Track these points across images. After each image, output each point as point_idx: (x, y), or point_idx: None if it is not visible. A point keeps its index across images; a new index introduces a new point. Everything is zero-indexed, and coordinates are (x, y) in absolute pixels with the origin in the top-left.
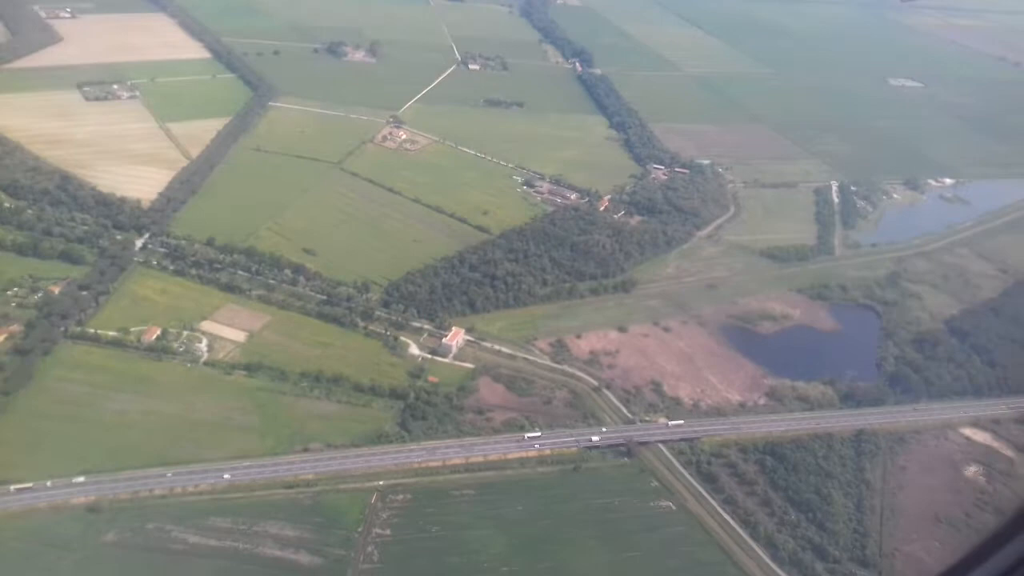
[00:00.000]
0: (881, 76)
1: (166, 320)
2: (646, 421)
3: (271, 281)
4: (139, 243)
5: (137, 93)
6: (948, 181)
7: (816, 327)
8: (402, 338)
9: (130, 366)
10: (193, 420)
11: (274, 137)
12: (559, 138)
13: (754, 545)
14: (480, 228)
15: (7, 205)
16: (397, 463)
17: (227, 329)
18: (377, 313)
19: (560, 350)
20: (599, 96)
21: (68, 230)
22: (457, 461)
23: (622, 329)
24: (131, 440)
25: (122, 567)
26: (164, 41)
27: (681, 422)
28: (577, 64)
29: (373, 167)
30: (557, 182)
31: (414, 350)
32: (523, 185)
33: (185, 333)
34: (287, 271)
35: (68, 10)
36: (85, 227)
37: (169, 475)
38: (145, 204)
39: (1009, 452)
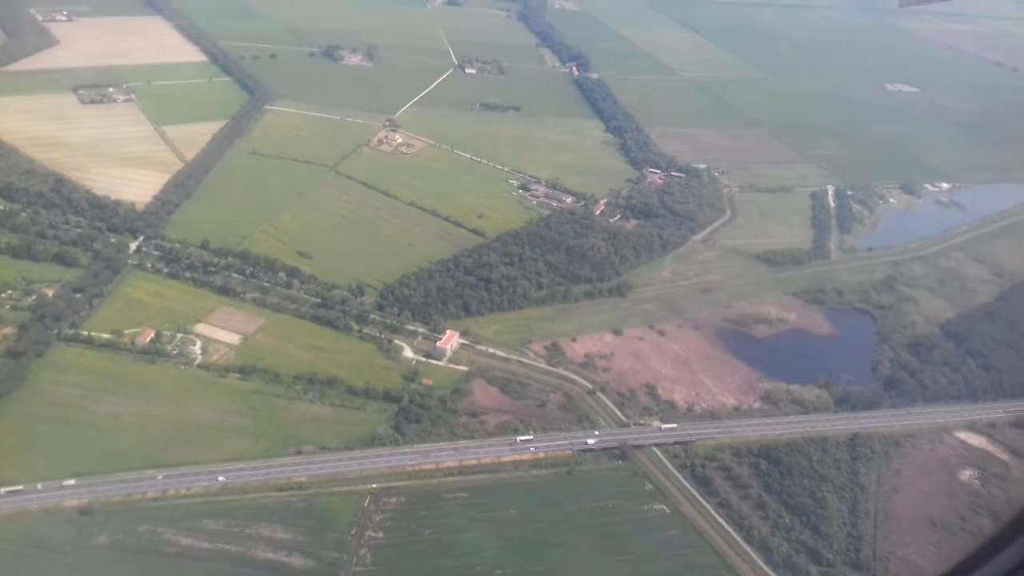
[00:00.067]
0: (878, 81)
1: (160, 323)
2: (640, 424)
3: (265, 284)
4: (133, 246)
5: (133, 96)
6: (944, 186)
7: (811, 331)
8: (396, 341)
9: (123, 368)
10: (186, 423)
11: (270, 140)
12: (555, 142)
13: (748, 548)
14: (475, 231)
15: (1, 208)
16: (390, 466)
17: (221, 332)
18: (371, 316)
19: (555, 353)
20: (596, 100)
21: (62, 233)
22: (450, 464)
23: (617, 332)
24: (124, 442)
25: (114, 569)
26: (160, 44)
27: (675, 425)
28: (574, 68)
29: (369, 171)
30: (553, 186)
31: (408, 353)
32: (519, 189)
33: (179, 336)
34: (282, 274)
35: (64, 13)
36: (79, 230)
37: (160, 477)
38: (140, 207)
39: (1004, 456)
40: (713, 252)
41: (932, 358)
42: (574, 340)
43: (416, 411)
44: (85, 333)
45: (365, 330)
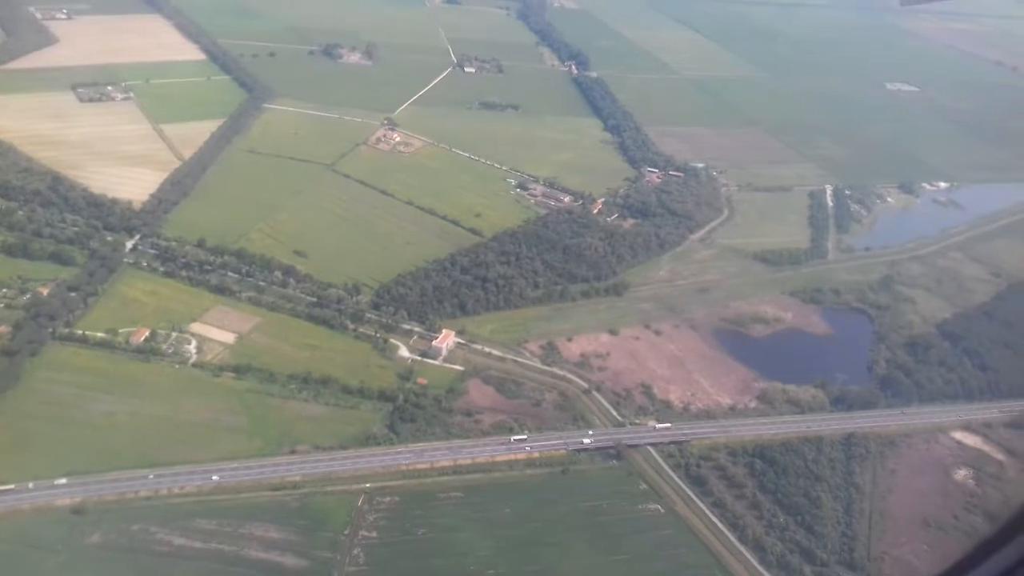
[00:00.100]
0: (878, 80)
1: (155, 321)
2: (636, 424)
3: (261, 283)
4: (129, 244)
5: (131, 94)
6: (942, 185)
7: (808, 331)
8: (392, 340)
9: (118, 367)
10: (181, 422)
11: (268, 139)
12: (553, 141)
13: (742, 548)
14: (472, 231)
15: None
16: (385, 465)
17: (216, 331)
18: (367, 315)
19: (551, 352)
20: (594, 99)
21: (59, 231)
22: (445, 463)
23: (613, 332)
24: (118, 441)
25: (107, 569)
26: (159, 42)
27: (668, 425)
28: (573, 67)
29: (366, 169)
30: (551, 185)
31: (404, 352)
32: (516, 188)
33: (174, 335)
34: (277, 273)
35: (64, 11)
36: (76, 228)
37: (152, 476)
38: (136, 205)
39: (999, 456)
40: (710, 251)
41: (929, 358)
42: (570, 339)
43: (411, 410)
44: (80, 332)
45: (361, 329)
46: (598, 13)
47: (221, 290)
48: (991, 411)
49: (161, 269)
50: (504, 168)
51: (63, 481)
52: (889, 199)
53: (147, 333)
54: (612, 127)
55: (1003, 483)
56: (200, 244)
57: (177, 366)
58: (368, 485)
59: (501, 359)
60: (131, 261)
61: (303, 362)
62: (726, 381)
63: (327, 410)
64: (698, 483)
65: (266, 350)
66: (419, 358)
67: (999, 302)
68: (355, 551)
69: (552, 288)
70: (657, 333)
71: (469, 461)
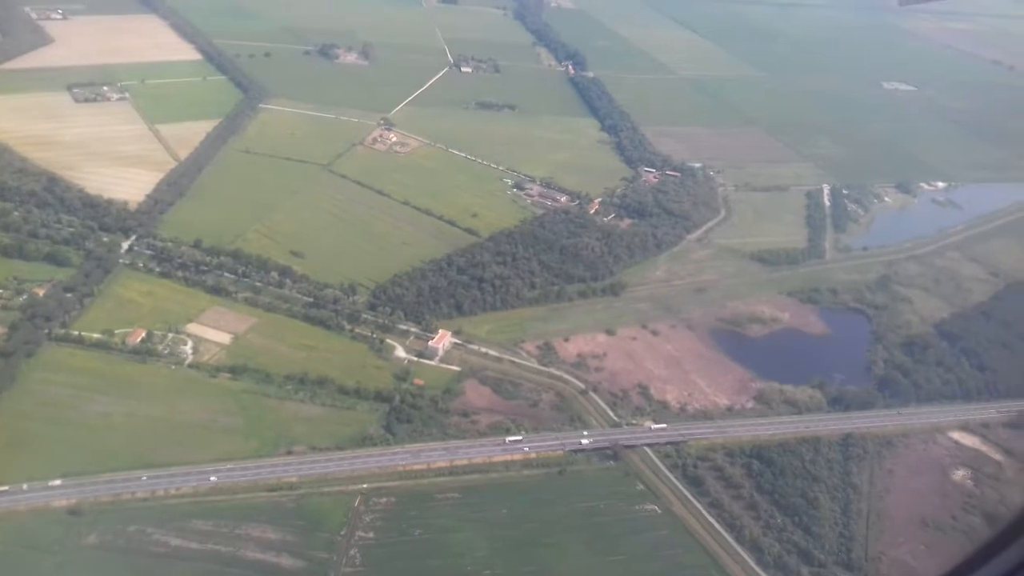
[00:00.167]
0: (875, 80)
1: (151, 322)
2: (632, 424)
3: (258, 283)
4: (125, 245)
5: (127, 95)
6: (940, 185)
7: (805, 331)
8: (388, 341)
9: (114, 368)
10: (177, 422)
11: (264, 139)
12: (550, 141)
13: (739, 549)
14: (469, 231)
15: None
16: (381, 466)
17: (212, 331)
18: (364, 316)
19: (547, 353)
20: (591, 99)
21: (54, 232)
22: (441, 464)
23: (610, 332)
24: (114, 442)
25: (103, 570)
26: (155, 43)
27: (664, 425)
28: (570, 67)
29: (363, 169)
30: (547, 185)
31: (400, 353)
32: (513, 188)
33: (170, 335)
34: (274, 273)
35: (59, 11)
36: (71, 229)
37: (145, 478)
38: (132, 206)
39: (997, 456)
40: (707, 251)
41: (926, 358)
42: (567, 340)
43: (407, 411)
44: (76, 333)
45: (357, 330)
46: (595, 13)
47: (217, 291)
48: (989, 411)
49: (157, 270)
50: (501, 168)
51: (58, 482)
52: (887, 199)
53: (143, 334)
54: (609, 127)
55: (1001, 483)
56: (196, 245)
57: (173, 367)
58: (364, 486)
59: (498, 359)
60: (127, 262)
61: (299, 363)
62: (723, 381)
63: (323, 411)
64: (695, 483)
65: (262, 351)
66: (415, 359)
67: (997, 302)
68: (351, 552)
69: (549, 288)
70: (654, 333)
71: (466, 462)
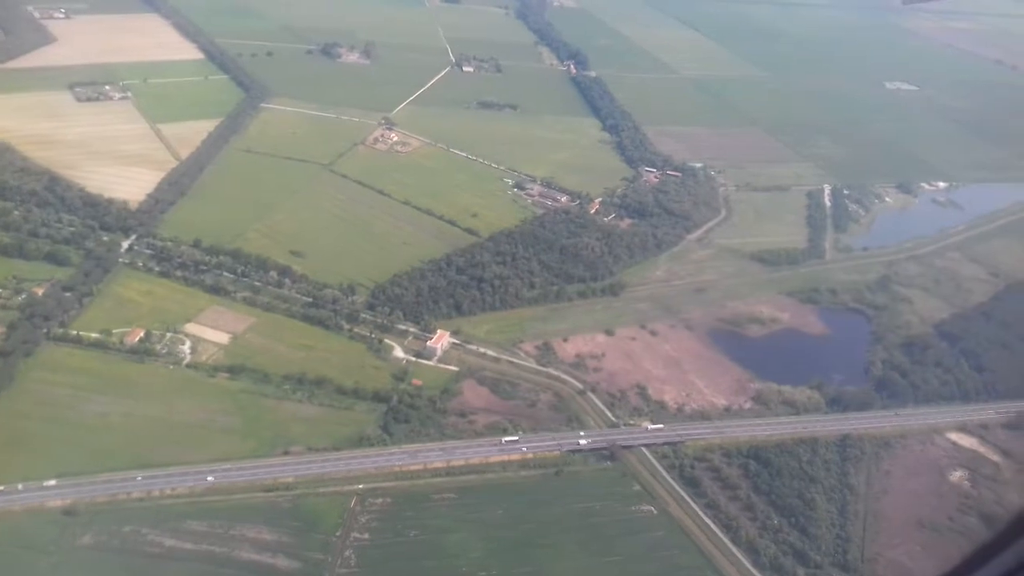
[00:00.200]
0: (877, 79)
1: (150, 322)
2: (630, 425)
3: (257, 283)
4: (125, 244)
5: (129, 94)
6: (941, 185)
7: (805, 331)
8: (387, 341)
9: (112, 368)
10: (174, 422)
11: (265, 138)
12: (551, 141)
13: (735, 550)
14: (469, 231)
15: None
16: (378, 466)
17: (211, 331)
18: (362, 316)
19: (546, 353)
20: (593, 98)
21: (54, 231)
22: (438, 465)
23: (609, 332)
24: (111, 442)
25: (98, 570)
26: (157, 42)
27: (661, 426)
28: (571, 66)
29: (364, 169)
30: (548, 185)
31: (399, 353)
32: (514, 188)
33: (168, 335)
34: (273, 273)
35: (62, 10)
36: (72, 228)
37: (140, 478)
38: (133, 205)
39: (995, 457)
40: (707, 251)
41: (925, 358)
42: (566, 340)
43: (405, 411)
44: (74, 332)
45: (356, 329)
46: (597, 12)
47: (216, 290)
48: (987, 412)
49: (156, 269)
50: (501, 168)
51: (52, 482)
52: (887, 199)
53: (142, 333)
54: (610, 127)
55: (998, 484)
56: (196, 244)
57: (171, 367)
58: (361, 486)
59: (496, 360)
60: (127, 261)
61: (298, 363)
62: (721, 382)
63: (321, 411)
64: (692, 484)
65: (261, 351)
66: (414, 359)
67: (997, 302)
68: (347, 553)
69: (548, 288)
70: (653, 333)
71: (462, 462)
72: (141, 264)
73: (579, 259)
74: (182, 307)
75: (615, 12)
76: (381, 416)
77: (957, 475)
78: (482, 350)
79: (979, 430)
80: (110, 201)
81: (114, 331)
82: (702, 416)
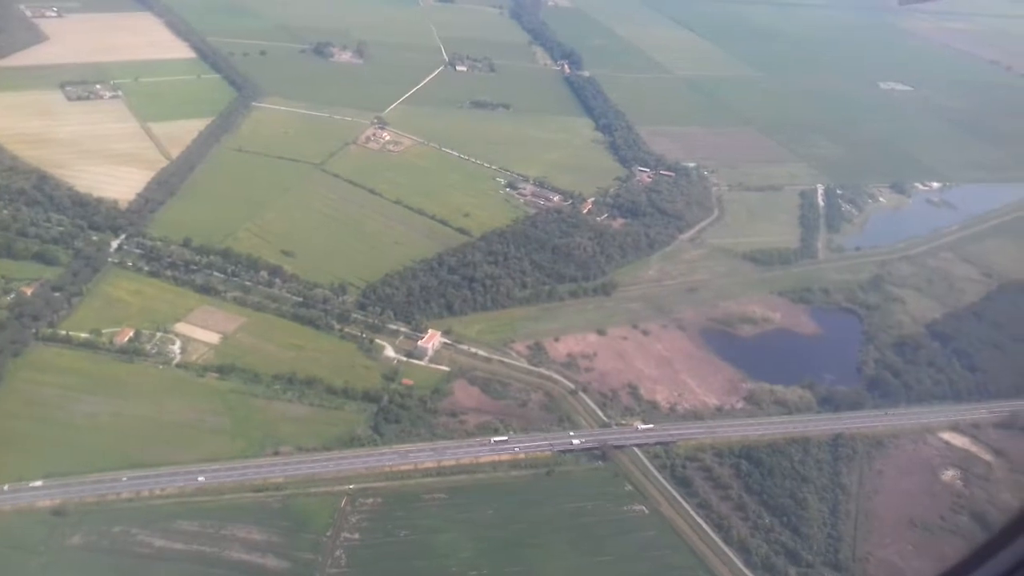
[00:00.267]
0: (872, 80)
1: (139, 322)
2: (622, 425)
3: (247, 283)
4: (115, 244)
5: (120, 93)
6: (935, 185)
7: (797, 331)
8: (377, 341)
9: (101, 368)
10: (164, 422)
11: (257, 138)
12: (544, 140)
13: (727, 549)
14: (461, 230)
15: None
16: (368, 466)
17: (201, 331)
18: (353, 315)
19: (537, 353)
20: (586, 98)
21: (43, 231)
22: (429, 464)
23: (601, 332)
24: (101, 442)
25: (87, 570)
26: (149, 41)
27: (651, 426)
28: (565, 66)
29: (355, 168)
30: (540, 184)
31: (389, 353)
32: (506, 187)
33: (158, 335)
34: (264, 273)
35: (54, 9)
36: (61, 228)
37: (125, 479)
38: (122, 205)
39: (987, 456)
40: (700, 251)
41: (917, 358)
42: (557, 340)
43: (396, 411)
44: (63, 332)
45: (346, 329)
46: (592, 12)
47: (206, 290)
48: (980, 412)
49: (146, 269)
50: (494, 167)
51: (39, 483)
52: (881, 199)
53: (131, 333)
54: (603, 126)
55: (990, 484)
56: (186, 244)
57: (161, 366)
58: (351, 486)
59: (487, 359)
60: (116, 261)
61: (288, 362)
62: (713, 381)
63: (311, 411)
64: (683, 484)
65: (251, 350)
66: (405, 359)
67: (989, 302)
68: (337, 552)
69: (540, 288)
70: (645, 333)
71: (453, 462)
72: (131, 264)
73: (571, 259)
74: (172, 307)
75: (610, 12)
76: (371, 416)
77: (949, 474)
78: (473, 350)
79: (971, 429)
80: (100, 200)
81: (103, 331)
82: (694, 416)
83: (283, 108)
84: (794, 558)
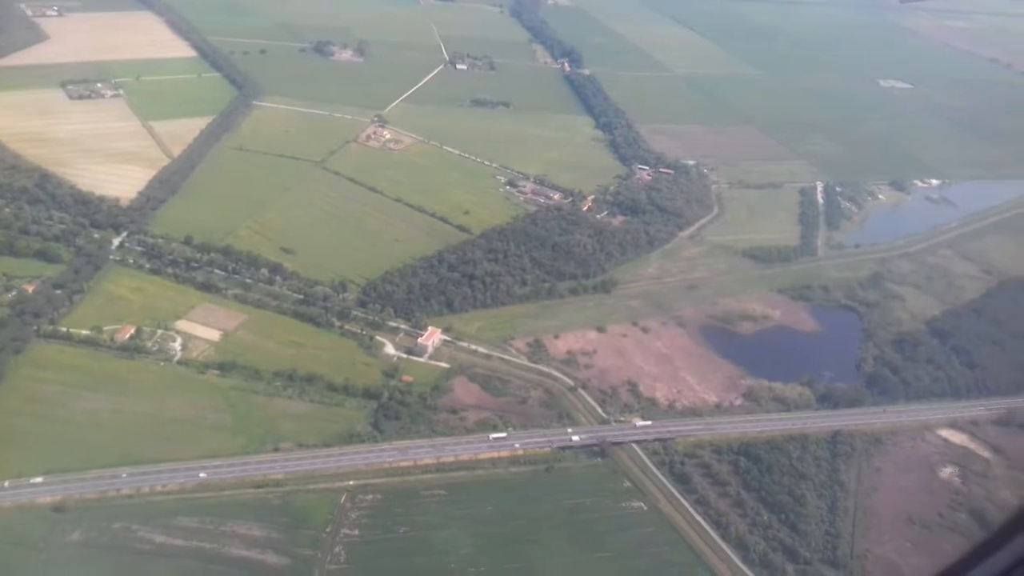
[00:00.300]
0: (872, 78)
1: (140, 319)
2: (621, 421)
3: (248, 280)
4: (116, 242)
5: (121, 92)
6: (934, 182)
7: (796, 328)
8: (378, 338)
9: (103, 365)
10: (165, 419)
11: (258, 136)
12: (544, 138)
13: (725, 546)
14: (461, 228)
15: None
16: (368, 463)
17: (202, 328)
18: (353, 313)
19: (537, 350)
20: (586, 96)
21: (45, 229)
22: (428, 461)
23: (600, 329)
24: (101, 439)
25: (87, 567)
26: (150, 40)
27: (650, 423)
28: (565, 64)
29: (356, 166)
30: (540, 182)
31: (389, 350)
32: (506, 185)
33: (159, 332)
34: (264, 270)
35: (55, 8)
36: (63, 226)
37: (125, 475)
38: (124, 203)
39: (986, 453)
40: (700, 249)
41: (917, 355)
42: (557, 337)
43: (395, 408)
44: (65, 329)
45: (347, 326)
46: (592, 10)
47: (207, 287)
48: (978, 409)
49: (147, 266)
50: (494, 165)
51: (40, 479)
52: (880, 196)
53: (132, 330)
54: (604, 125)
55: (988, 481)
56: (187, 241)
57: (162, 363)
58: (351, 483)
59: (487, 356)
60: (117, 258)
61: (288, 359)
62: (712, 378)
63: (311, 408)
64: (682, 481)
65: (251, 347)
66: (405, 355)
67: (989, 299)
68: (336, 549)
69: (540, 285)
70: (644, 330)
71: (453, 459)
72: (132, 261)
73: (571, 256)
74: (173, 304)
75: (610, 10)
76: (371, 413)
77: (947, 471)
78: (473, 347)
79: (970, 426)
80: (101, 198)
81: (104, 328)
82: (693, 412)
83: (283, 106)
84: (792, 555)
